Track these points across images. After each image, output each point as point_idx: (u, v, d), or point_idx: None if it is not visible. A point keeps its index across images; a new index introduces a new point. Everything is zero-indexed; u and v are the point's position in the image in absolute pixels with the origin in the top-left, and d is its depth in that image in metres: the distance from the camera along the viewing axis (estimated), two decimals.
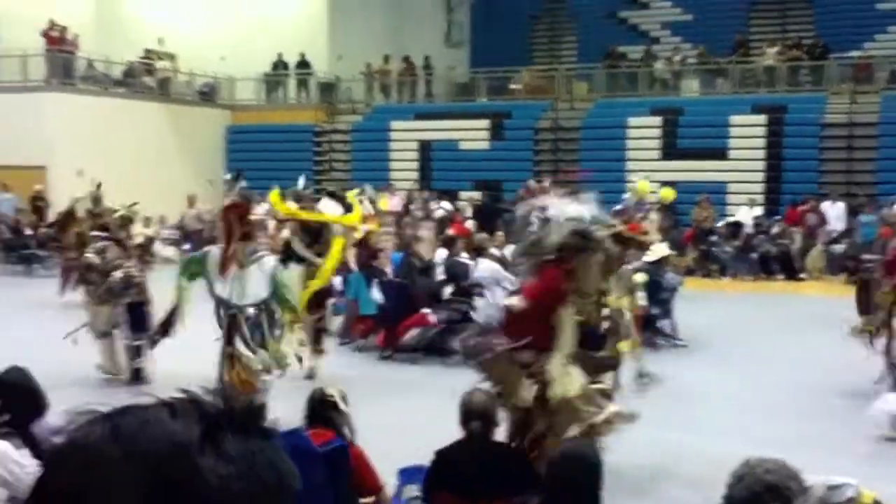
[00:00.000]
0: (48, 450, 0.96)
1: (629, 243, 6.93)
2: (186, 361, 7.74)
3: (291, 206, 10.08)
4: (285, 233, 9.90)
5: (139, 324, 9.35)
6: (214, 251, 7.59)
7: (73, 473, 0.92)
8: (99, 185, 12.88)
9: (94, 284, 9.50)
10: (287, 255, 9.55)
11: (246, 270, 7.44)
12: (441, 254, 12.45)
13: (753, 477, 2.75)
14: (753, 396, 9.06)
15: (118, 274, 9.47)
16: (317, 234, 9.74)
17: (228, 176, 17.11)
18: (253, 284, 7.42)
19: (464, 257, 11.95)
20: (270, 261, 7.50)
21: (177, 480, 0.90)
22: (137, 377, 9.22)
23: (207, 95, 27.15)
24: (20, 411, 4.43)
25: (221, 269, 7.43)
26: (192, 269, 7.64)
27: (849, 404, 8.47)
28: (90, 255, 9.66)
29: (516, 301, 5.81)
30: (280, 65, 27.44)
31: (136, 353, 9.33)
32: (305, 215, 9.82)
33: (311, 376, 9.12)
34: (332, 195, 10.70)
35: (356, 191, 13.08)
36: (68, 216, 14.24)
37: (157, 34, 26.85)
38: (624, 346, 6.53)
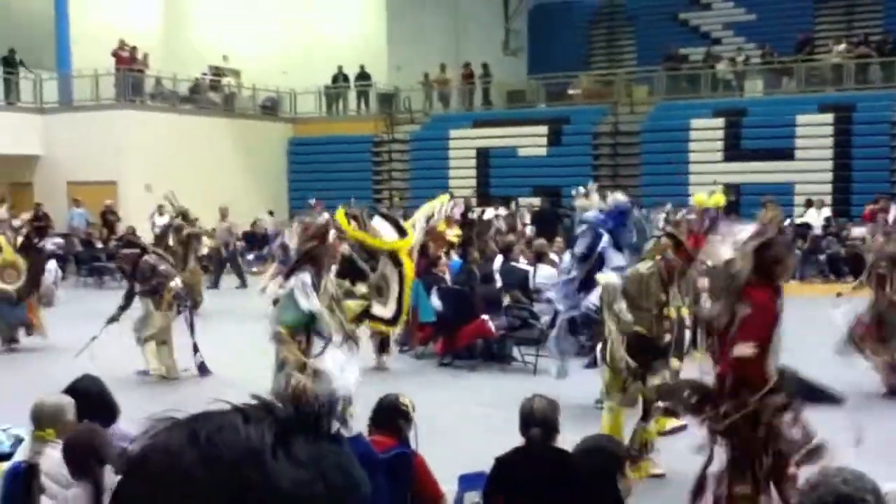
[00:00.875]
0: (128, 456, 0.99)
1: (691, 257, 6.79)
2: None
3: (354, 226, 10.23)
4: (344, 248, 10.13)
5: (194, 325, 10.06)
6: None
7: (152, 479, 0.94)
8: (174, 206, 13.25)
9: (161, 292, 9.88)
10: (346, 269, 9.80)
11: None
12: (498, 260, 12.49)
13: (828, 486, 2.56)
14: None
15: (178, 281, 9.95)
16: (372, 253, 10.05)
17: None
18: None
19: (522, 263, 11.96)
20: (292, 282, 7.40)
21: (251, 485, 0.92)
22: (205, 370, 9.85)
23: (270, 109, 27.60)
24: (93, 418, 4.56)
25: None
26: None
27: None
28: (155, 262, 10.08)
29: (748, 349, 5.10)
30: (340, 77, 27.77)
31: (196, 349, 9.96)
32: (369, 241, 10.00)
33: (382, 367, 9.85)
34: (384, 216, 10.90)
35: (445, 197, 13.37)
36: (167, 230, 14.93)
37: (221, 51, 27.41)
38: (675, 363, 6.46)
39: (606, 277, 6.80)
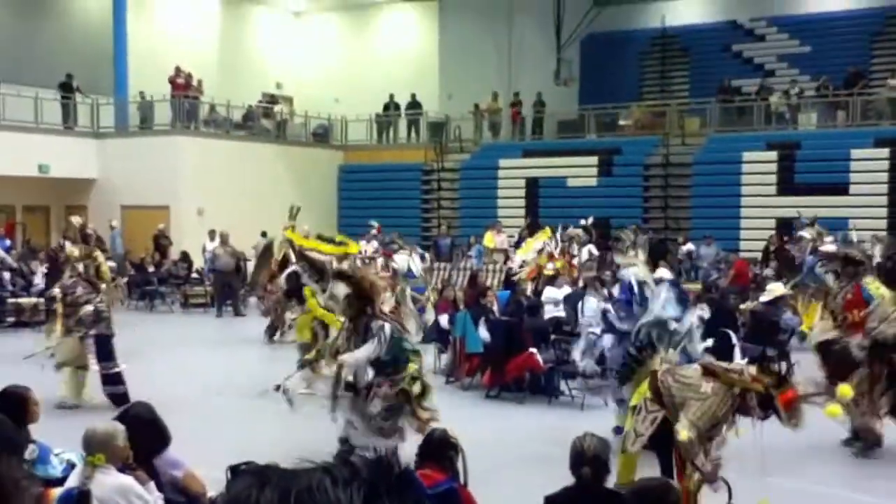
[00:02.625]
0: None
1: (769, 409, 5.87)
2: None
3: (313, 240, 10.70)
4: (294, 268, 10.54)
5: (106, 354, 9.77)
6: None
7: None
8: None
9: (65, 317, 9.90)
10: (293, 289, 10.41)
11: None
12: (548, 291, 12.41)
13: None
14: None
15: (89, 307, 9.89)
16: (322, 273, 10.00)
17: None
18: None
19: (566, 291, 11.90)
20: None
21: None
22: (117, 402, 9.32)
23: (321, 136, 27.90)
24: (145, 445, 4.60)
25: None
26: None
27: None
28: (55, 290, 10.25)
29: None
30: (391, 105, 28.00)
31: (110, 380, 9.78)
32: (325, 250, 10.27)
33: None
34: (320, 237, 11.28)
35: (547, 231, 13.91)
36: (266, 251, 15.27)
37: (275, 78, 27.80)
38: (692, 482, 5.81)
39: (683, 433, 5.78)
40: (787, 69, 28.77)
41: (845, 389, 6.68)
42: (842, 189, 21.32)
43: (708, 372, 5.89)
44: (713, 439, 5.85)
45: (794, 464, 7.61)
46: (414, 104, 27.82)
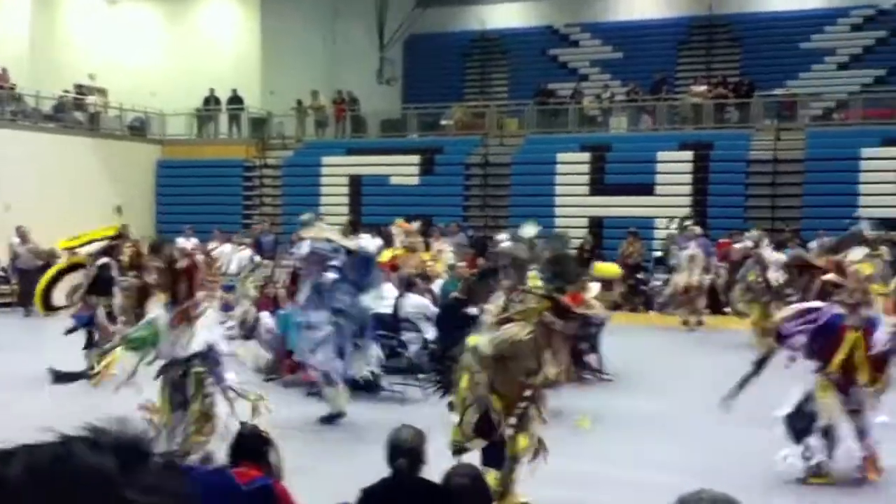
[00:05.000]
0: None
1: (570, 316, 6.25)
2: None
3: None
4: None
5: None
6: (162, 314, 7.22)
7: None
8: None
9: None
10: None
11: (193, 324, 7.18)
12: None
13: None
14: (675, 428, 9.25)
15: None
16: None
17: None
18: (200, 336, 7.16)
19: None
20: (213, 314, 7.29)
21: None
22: None
23: (138, 130, 26.89)
24: None
25: (172, 326, 7.11)
26: (139, 342, 7.22)
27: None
28: None
29: None
30: (212, 100, 27.33)
31: None
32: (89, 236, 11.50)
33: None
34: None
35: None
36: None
37: (88, 69, 26.53)
38: (523, 440, 6.17)
39: (476, 339, 6.27)
40: (600, 74, 30.12)
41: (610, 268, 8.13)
42: (648, 189, 22.52)
43: (504, 320, 6.31)
44: (534, 383, 6.17)
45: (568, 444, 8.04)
46: (235, 99, 27.28)
